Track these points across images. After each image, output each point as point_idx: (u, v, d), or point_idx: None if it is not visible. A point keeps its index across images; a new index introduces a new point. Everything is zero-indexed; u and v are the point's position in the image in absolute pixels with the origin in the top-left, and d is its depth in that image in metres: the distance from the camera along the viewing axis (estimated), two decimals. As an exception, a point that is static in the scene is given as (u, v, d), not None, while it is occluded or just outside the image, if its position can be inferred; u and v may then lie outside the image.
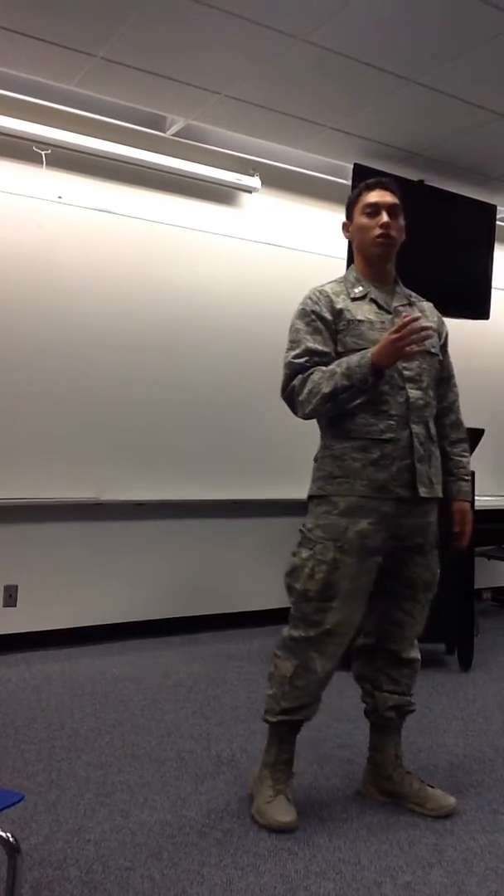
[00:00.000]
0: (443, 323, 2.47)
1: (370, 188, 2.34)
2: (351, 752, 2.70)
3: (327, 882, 1.92)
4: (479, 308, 4.95)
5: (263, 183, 4.56)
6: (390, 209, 2.31)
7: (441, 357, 2.40)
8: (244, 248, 4.60)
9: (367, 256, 2.35)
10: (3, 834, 1.45)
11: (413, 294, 2.45)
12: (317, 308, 2.28)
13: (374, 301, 2.31)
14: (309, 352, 2.25)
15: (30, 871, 1.92)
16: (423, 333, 2.13)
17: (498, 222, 5.07)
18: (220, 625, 4.46)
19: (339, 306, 2.28)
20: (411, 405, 2.24)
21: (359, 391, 2.16)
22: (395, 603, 2.33)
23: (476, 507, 3.91)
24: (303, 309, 2.31)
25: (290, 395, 2.28)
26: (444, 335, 2.46)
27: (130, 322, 4.29)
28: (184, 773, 2.54)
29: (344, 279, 2.38)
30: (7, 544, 3.97)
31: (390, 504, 2.21)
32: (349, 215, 2.40)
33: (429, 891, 1.90)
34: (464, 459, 2.45)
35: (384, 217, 2.29)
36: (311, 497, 2.31)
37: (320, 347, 2.25)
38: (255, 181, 4.53)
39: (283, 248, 4.68)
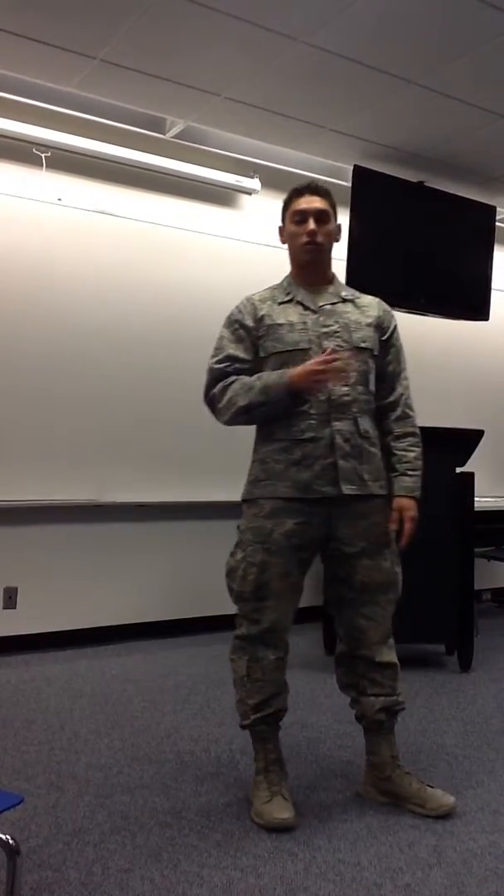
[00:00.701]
0: (390, 317, 2.42)
1: (299, 194, 2.34)
2: (351, 753, 2.70)
3: (327, 883, 1.92)
4: (478, 309, 4.96)
5: (263, 185, 4.57)
6: (318, 215, 2.31)
7: (375, 352, 2.34)
8: (244, 249, 4.60)
9: (297, 262, 2.39)
10: (3, 836, 1.45)
11: (352, 292, 2.42)
12: (240, 317, 2.34)
13: (300, 303, 2.33)
14: (230, 358, 2.30)
15: (29, 873, 1.92)
16: (342, 375, 2.17)
17: (498, 223, 5.08)
18: (219, 626, 4.44)
19: (261, 313, 2.32)
20: (333, 402, 2.24)
21: (274, 408, 2.22)
22: (355, 610, 2.31)
23: (476, 508, 3.94)
24: (228, 317, 2.37)
25: (210, 401, 2.34)
26: (389, 329, 2.40)
27: (130, 323, 4.29)
28: (184, 774, 2.54)
29: (278, 285, 2.43)
30: (7, 546, 3.97)
31: (318, 504, 2.23)
32: (283, 221, 2.42)
33: (429, 892, 1.90)
34: (409, 454, 2.36)
35: (311, 224, 2.31)
36: (242, 500, 2.37)
37: (241, 354, 2.30)
38: (255, 183, 4.54)
39: (283, 249, 4.65)
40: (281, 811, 2.19)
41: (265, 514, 2.26)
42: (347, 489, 2.23)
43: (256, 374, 2.26)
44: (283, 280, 2.44)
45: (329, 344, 2.27)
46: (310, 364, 2.17)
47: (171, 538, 4.43)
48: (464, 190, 4.87)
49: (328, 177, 4.74)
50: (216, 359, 2.33)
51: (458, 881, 1.95)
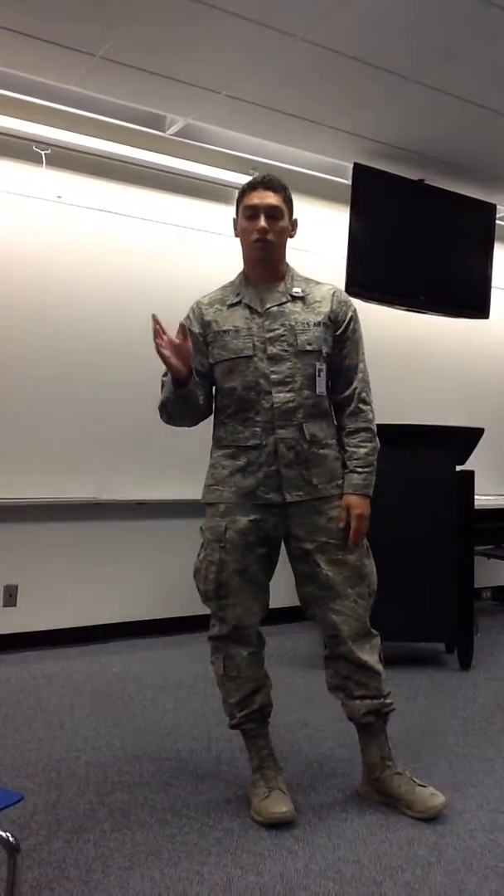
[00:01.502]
0: (346, 308, 2.36)
1: (253, 188, 2.32)
2: (350, 752, 2.70)
3: (327, 881, 1.92)
4: (478, 307, 4.96)
5: (263, 182, 4.56)
6: (269, 211, 2.29)
7: (324, 352, 2.29)
8: (244, 247, 4.59)
9: (248, 258, 2.39)
10: (3, 834, 1.45)
11: (305, 286, 2.36)
12: (187, 322, 2.35)
13: (247, 306, 2.31)
14: None
15: (30, 871, 1.92)
16: (159, 335, 2.22)
17: (498, 221, 5.07)
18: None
19: (208, 318, 2.33)
20: (276, 410, 2.23)
21: (176, 402, 2.28)
22: (324, 607, 2.29)
23: (476, 507, 3.94)
24: (181, 324, 2.33)
25: (159, 409, 2.41)
26: (344, 322, 2.33)
27: (130, 321, 4.28)
28: (184, 772, 2.54)
29: (231, 283, 2.43)
30: (7, 544, 3.97)
31: (268, 506, 2.25)
32: (237, 214, 2.40)
33: (428, 890, 1.90)
34: (360, 451, 2.31)
35: (261, 221, 2.28)
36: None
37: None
38: (254, 180, 4.53)
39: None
40: (278, 805, 2.19)
41: (220, 513, 2.29)
42: (291, 496, 2.24)
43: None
44: (237, 278, 2.43)
45: (278, 310, 2.28)
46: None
47: (171, 536, 4.42)
48: (464, 188, 4.86)
49: (328, 174, 4.74)
50: (164, 371, 2.33)
51: (458, 879, 1.95)
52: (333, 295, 2.37)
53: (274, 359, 2.25)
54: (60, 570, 4.10)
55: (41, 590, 4.04)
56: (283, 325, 2.27)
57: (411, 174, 4.69)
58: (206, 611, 4.60)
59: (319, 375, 2.28)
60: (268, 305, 2.30)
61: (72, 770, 2.53)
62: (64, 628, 4.08)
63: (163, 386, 2.33)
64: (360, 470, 2.30)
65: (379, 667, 2.31)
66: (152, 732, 2.89)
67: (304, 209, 4.82)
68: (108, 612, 4.21)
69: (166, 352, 2.20)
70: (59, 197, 4.10)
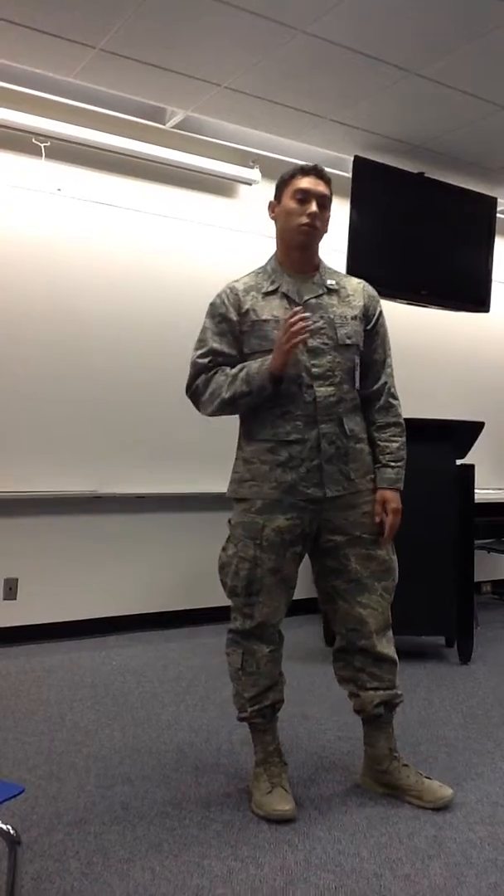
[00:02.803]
0: (375, 302, 2.37)
1: (305, 173, 2.29)
2: (350, 745, 2.71)
3: (327, 874, 1.93)
4: (479, 301, 4.95)
5: (263, 175, 4.55)
6: (320, 199, 2.27)
7: (361, 346, 2.30)
8: (244, 240, 4.58)
9: (288, 242, 2.33)
10: (4, 826, 1.45)
11: (337, 278, 2.36)
12: (223, 309, 2.29)
13: (285, 295, 2.28)
14: (213, 352, 2.27)
15: (30, 863, 1.93)
16: (299, 326, 2.10)
17: (498, 215, 5.06)
18: (220, 617, 4.45)
19: (245, 306, 2.27)
20: (319, 403, 2.21)
21: (258, 397, 2.19)
22: (351, 601, 2.29)
23: (476, 501, 3.94)
24: (211, 308, 2.31)
25: (193, 394, 2.34)
26: (373, 317, 2.35)
27: (129, 314, 4.28)
28: (184, 765, 2.54)
29: (263, 269, 2.36)
30: (7, 537, 3.97)
31: (306, 501, 2.22)
32: (278, 196, 2.36)
33: (428, 882, 1.90)
34: (391, 445, 2.32)
35: (313, 206, 2.26)
36: (228, 497, 2.35)
37: (225, 349, 2.27)
38: (254, 173, 4.52)
39: (283, 240, 4.66)
40: (282, 803, 2.20)
41: (256, 510, 2.24)
42: (332, 491, 2.23)
43: (239, 366, 2.23)
44: (268, 264, 2.37)
45: (316, 302, 2.24)
46: (277, 346, 2.14)
47: (171, 529, 4.43)
48: (464, 181, 4.85)
49: (328, 167, 4.71)
50: (199, 352, 2.30)
51: (458, 872, 1.95)
52: (364, 289, 2.38)
53: (314, 352, 2.22)
54: (61, 564, 4.10)
55: (41, 583, 4.04)
56: (322, 317, 2.24)
57: (412, 167, 4.68)
58: (206, 604, 4.65)
59: (356, 370, 2.30)
60: (306, 297, 2.28)
61: (72, 763, 2.53)
62: (64, 622, 4.09)
63: (233, 380, 2.21)
64: (392, 464, 2.32)
65: (395, 657, 2.35)
66: (152, 725, 2.90)
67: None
68: (109, 605, 4.22)
69: (297, 348, 2.15)
70: (58, 189, 4.08)
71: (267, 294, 2.29)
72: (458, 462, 3.85)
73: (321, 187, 2.28)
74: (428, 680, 3.53)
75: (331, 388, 2.23)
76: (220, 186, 4.54)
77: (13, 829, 1.46)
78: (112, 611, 4.22)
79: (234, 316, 2.27)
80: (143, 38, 3.39)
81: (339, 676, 2.40)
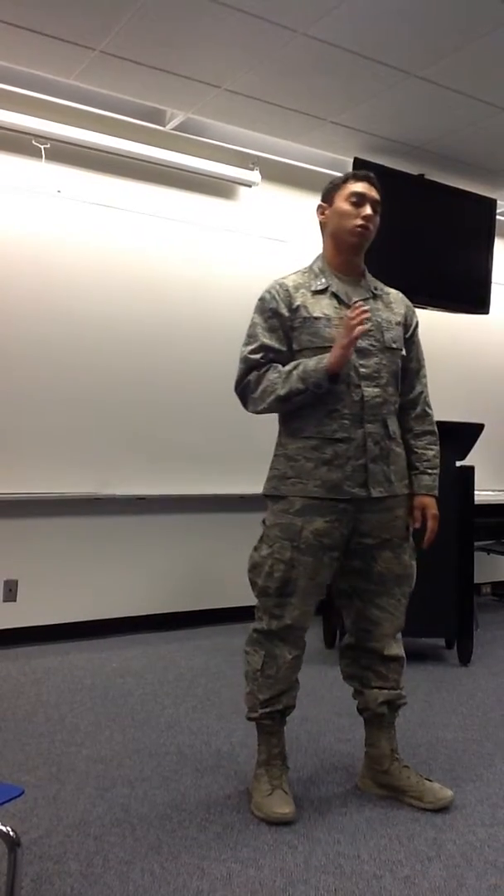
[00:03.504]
0: (412, 313, 2.43)
1: (358, 179, 2.33)
2: (350, 747, 2.71)
3: (327, 876, 1.93)
4: (479, 303, 4.95)
5: (263, 177, 4.55)
6: (374, 204, 2.31)
7: (404, 351, 2.35)
8: (244, 242, 4.59)
9: (339, 244, 2.34)
10: (4, 828, 1.45)
11: (379, 285, 2.41)
12: (274, 304, 2.28)
13: (334, 295, 2.29)
14: (264, 348, 2.26)
15: (30, 865, 1.93)
16: (360, 319, 2.11)
17: (498, 217, 5.06)
18: (220, 619, 4.46)
19: (296, 303, 2.27)
20: (366, 403, 2.23)
21: (313, 395, 2.18)
22: (369, 601, 2.31)
23: (476, 502, 3.94)
24: (261, 304, 2.31)
25: (243, 391, 2.32)
26: (411, 326, 2.40)
27: (130, 316, 4.28)
28: (184, 767, 2.54)
29: (309, 269, 2.37)
30: (7, 539, 3.97)
31: (347, 503, 2.22)
32: (328, 199, 2.38)
33: (428, 884, 1.90)
34: (428, 452, 2.39)
35: (368, 209, 2.29)
36: (265, 495, 2.33)
37: (276, 345, 2.26)
38: (254, 175, 4.53)
39: (282, 242, 4.67)
40: (281, 805, 2.20)
41: (295, 511, 2.22)
42: (376, 492, 2.23)
43: (293, 363, 2.22)
44: (315, 264, 2.38)
45: (365, 305, 2.24)
46: (338, 343, 2.14)
47: (172, 531, 4.43)
48: (464, 183, 4.85)
49: (328, 169, 4.73)
50: (250, 348, 2.28)
51: (458, 874, 1.95)
52: (402, 298, 2.44)
53: (363, 353, 2.23)
54: (61, 566, 4.10)
55: (41, 585, 4.04)
56: (370, 320, 2.26)
57: (412, 169, 4.69)
58: (206, 606, 4.65)
59: (399, 374, 2.33)
60: (355, 299, 2.30)
61: (72, 764, 2.53)
62: (64, 623, 4.09)
63: (287, 377, 2.20)
64: (430, 471, 2.37)
65: (403, 656, 2.37)
66: (152, 727, 2.89)
67: (305, 204, 4.84)
68: (109, 607, 4.22)
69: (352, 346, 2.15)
70: (58, 191, 4.09)
71: (316, 292, 2.30)
72: (458, 463, 3.86)
73: (374, 193, 2.32)
74: (428, 682, 3.53)
75: (377, 390, 2.25)
76: (220, 188, 4.54)
77: (13, 830, 1.46)
78: (112, 612, 4.22)
79: (285, 311, 2.27)
80: (143, 40, 3.39)
81: (344, 673, 2.42)
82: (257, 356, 2.26)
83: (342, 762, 2.61)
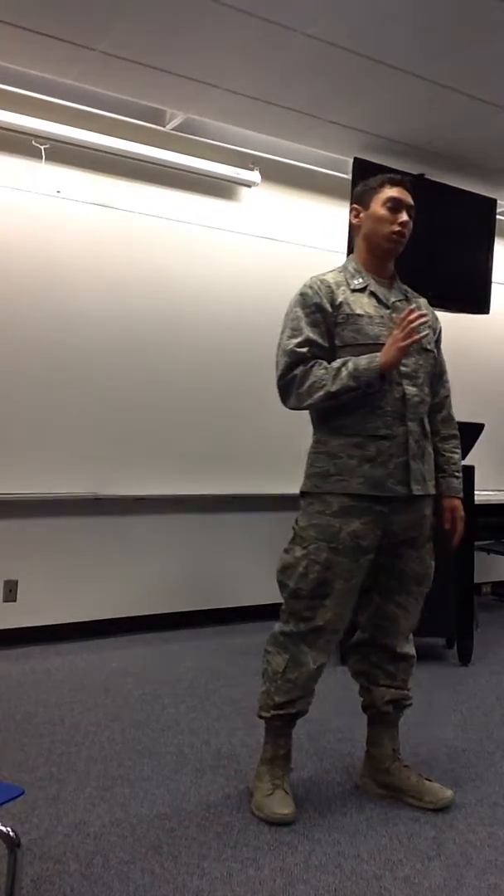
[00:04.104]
0: (437, 319, 2.48)
1: (395, 183, 2.33)
2: (350, 746, 2.71)
3: (327, 875, 1.93)
4: (478, 302, 4.94)
5: (263, 177, 4.55)
6: (409, 210, 2.33)
7: (435, 353, 2.41)
8: (243, 242, 4.59)
9: (373, 248, 2.34)
10: (4, 828, 1.45)
11: (409, 290, 2.46)
12: (318, 299, 2.26)
13: (373, 294, 2.30)
14: (310, 342, 2.24)
15: (30, 865, 1.93)
16: (419, 322, 2.14)
17: (498, 216, 5.06)
18: (220, 619, 4.46)
19: (339, 299, 2.26)
20: (407, 402, 2.24)
21: (363, 393, 2.18)
22: (388, 597, 2.33)
23: (476, 502, 3.94)
24: (303, 298, 2.28)
25: (287, 385, 2.27)
26: (437, 331, 2.46)
27: (129, 316, 4.28)
28: (184, 767, 2.54)
29: (344, 269, 2.37)
30: (7, 539, 3.97)
31: (383, 503, 2.21)
32: (363, 202, 2.36)
33: (428, 884, 1.91)
34: (455, 455, 2.44)
35: (404, 216, 2.30)
36: (303, 493, 2.31)
37: (319, 340, 2.25)
38: (254, 175, 4.52)
39: (282, 242, 4.67)
40: (282, 806, 2.20)
41: (332, 513, 2.21)
42: (416, 490, 2.25)
43: (340, 360, 2.21)
44: (348, 264, 2.38)
45: (402, 306, 2.29)
46: (390, 339, 2.16)
47: (171, 531, 4.43)
48: (464, 182, 4.85)
49: (328, 169, 4.73)
50: (296, 341, 2.25)
51: (458, 873, 1.95)
52: (427, 304, 2.48)
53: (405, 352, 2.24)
54: (60, 566, 4.10)
55: (41, 585, 4.04)
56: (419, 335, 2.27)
57: (412, 169, 4.68)
58: (206, 606, 4.64)
59: (431, 376, 2.36)
60: (392, 299, 2.33)
61: (72, 764, 2.53)
62: (64, 623, 4.08)
63: (337, 374, 2.18)
64: (457, 474, 2.42)
65: (414, 654, 2.39)
66: (152, 727, 2.89)
67: (305, 204, 4.84)
68: (109, 607, 4.21)
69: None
70: (58, 192, 4.09)
71: (355, 291, 2.30)
72: (458, 463, 3.85)
73: (409, 199, 2.34)
74: (428, 681, 3.53)
75: (416, 389, 2.27)
76: (219, 188, 4.54)
77: (13, 831, 1.46)
78: (112, 612, 4.22)
79: (328, 307, 2.26)
80: (143, 40, 3.39)
81: (353, 670, 2.42)
82: (303, 350, 2.24)
83: (342, 762, 2.61)
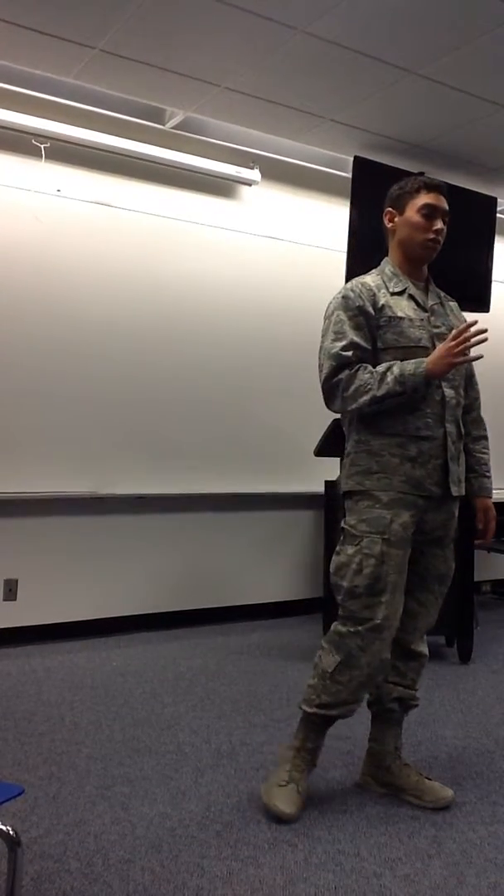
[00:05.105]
0: (465, 321, 2.47)
1: (430, 189, 2.33)
2: (351, 744, 2.71)
3: (327, 873, 1.93)
4: (479, 301, 4.94)
5: (263, 176, 4.55)
6: (444, 216, 2.34)
7: None
8: (244, 241, 4.59)
9: (408, 254, 2.36)
10: (4, 827, 1.45)
11: (442, 293, 2.48)
12: (360, 302, 2.27)
13: (412, 297, 2.32)
14: (354, 345, 2.24)
15: (30, 864, 1.93)
16: (477, 338, 2.17)
17: (498, 215, 5.06)
18: (220, 618, 4.46)
19: (381, 302, 2.28)
20: (446, 404, 2.27)
21: (409, 398, 2.21)
22: (408, 593, 2.33)
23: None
24: (345, 301, 2.28)
25: (333, 387, 2.25)
26: None
27: (130, 315, 4.28)
28: (183, 765, 2.54)
29: (380, 272, 2.38)
30: (7, 538, 3.97)
31: (423, 499, 2.24)
32: (399, 206, 2.36)
33: (428, 882, 1.90)
34: (485, 456, 2.47)
35: (439, 223, 2.31)
36: (348, 493, 2.31)
37: (363, 343, 2.26)
38: (254, 174, 4.52)
39: (282, 241, 4.67)
40: (287, 804, 2.18)
41: (383, 505, 2.22)
42: (454, 490, 2.27)
43: (385, 364, 2.22)
44: (384, 267, 2.39)
45: (439, 310, 2.34)
46: (443, 349, 2.17)
47: (172, 530, 4.43)
48: (464, 181, 4.85)
49: (329, 167, 4.74)
50: (341, 344, 2.24)
51: (458, 871, 1.95)
52: (458, 307, 2.51)
53: (457, 365, 2.26)
54: (61, 565, 4.10)
55: (41, 584, 4.04)
56: (444, 324, 2.33)
57: (412, 167, 4.67)
58: (206, 605, 4.65)
59: (464, 379, 2.40)
60: (430, 303, 2.36)
61: (72, 763, 2.53)
62: (64, 622, 4.09)
63: (382, 379, 2.18)
64: (488, 475, 2.45)
65: (427, 653, 2.40)
66: (152, 726, 2.90)
67: (305, 203, 4.84)
68: (109, 606, 4.22)
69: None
70: (58, 190, 4.09)
71: (395, 294, 2.32)
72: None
73: (444, 204, 2.34)
74: (428, 680, 3.53)
75: (453, 391, 2.31)
76: (220, 187, 4.54)
77: (13, 829, 1.46)
78: (112, 611, 4.22)
79: (370, 310, 2.27)
80: (143, 38, 3.39)
81: None
82: (348, 353, 2.23)
83: (342, 760, 2.61)
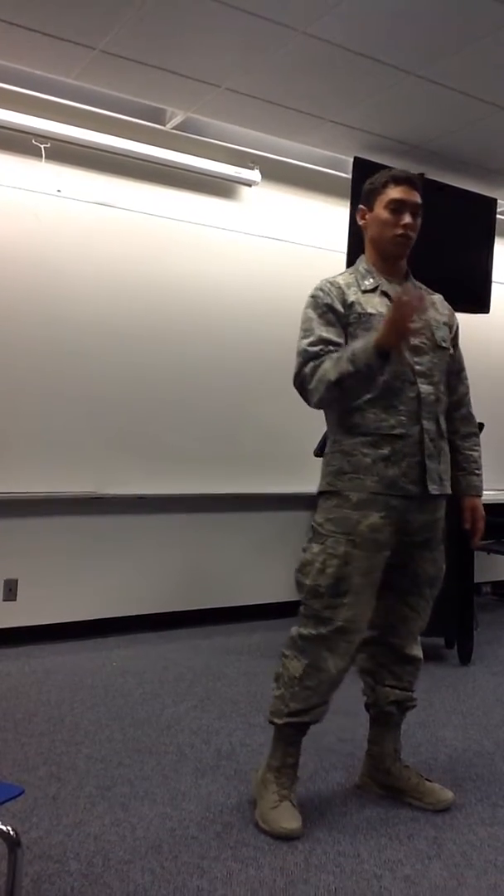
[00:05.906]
0: (453, 316, 2.44)
1: (398, 182, 2.28)
2: (351, 746, 2.71)
3: (327, 875, 1.93)
4: (479, 302, 4.94)
5: (263, 176, 4.55)
6: (414, 209, 2.28)
7: (452, 350, 2.38)
8: (244, 241, 4.58)
9: (380, 251, 2.33)
10: (4, 827, 1.45)
11: (424, 287, 2.43)
12: (328, 300, 2.25)
13: (385, 294, 2.29)
14: (322, 340, 2.21)
15: (30, 865, 1.93)
16: (419, 306, 2.06)
17: (498, 216, 5.06)
18: (220, 619, 4.46)
19: (350, 299, 2.25)
20: (422, 401, 2.22)
21: (365, 377, 2.12)
22: (400, 597, 2.32)
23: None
24: (314, 300, 2.27)
25: (301, 384, 2.24)
26: (454, 328, 2.43)
27: (130, 315, 4.28)
28: (184, 766, 2.54)
29: (355, 270, 2.36)
30: (7, 538, 3.97)
31: (399, 499, 2.20)
32: (369, 203, 2.34)
33: (428, 883, 1.90)
34: (474, 454, 2.42)
35: (407, 218, 2.26)
36: (321, 493, 2.29)
37: (333, 337, 2.23)
38: (254, 174, 4.52)
39: (282, 241, 4.67)
40: (289, 820, 2.13)
41: (351, 506, 2.19)
42: (433, 489, 2.23)
43: (342, 349, 2.18)
44: (359, 265, 2.37)
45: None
46: (386, 319, 2.08)
47: (172, 530, 4.43)
48: (464, 182, 4.85)
49: (329, 168, 4.73)
50: (308, 341, 2.22)
51: (458, 873, 1.95)
52: (443, 301, 2.45)
53: (416, 350, 2.23)
54: (61, 565, 4.10)
55: (41, 584, 4.04)
56: (420, 318, 2.25)
57: (412, 168, 4.66)
58: (206, 605, 4.64)
59: (446, 373, 2.34)
60: (405, 298, 2.29)
61: (72, 764, 2.53)
62: (64, 623, 4.08)
63: (337, 362, 2.13)
64: (477, 473, 2.41)
65: (421, 657, 2.38)
66: (152, 726, 2.89)
67: (305, 203, 4.83)
68: (109, 606, 4.22)
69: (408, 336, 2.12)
70: (58, 191, 4.08)
71: (366, 291, 2.29)
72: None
73: (414, 196, 2.29)
74: (428, 681, 3.53)
75: (431, 387, 2.25)
76: (220, 187, 4.54)
77: (13, 830, 1.46)
78: (112, 612, 4.22)
79: (339, 307, 2.24)
80: (143, 39, 3.39)
81: (359, 668, 2.40)
82: (315, 348, 2.21)
83: (342, 761, 2.61)
